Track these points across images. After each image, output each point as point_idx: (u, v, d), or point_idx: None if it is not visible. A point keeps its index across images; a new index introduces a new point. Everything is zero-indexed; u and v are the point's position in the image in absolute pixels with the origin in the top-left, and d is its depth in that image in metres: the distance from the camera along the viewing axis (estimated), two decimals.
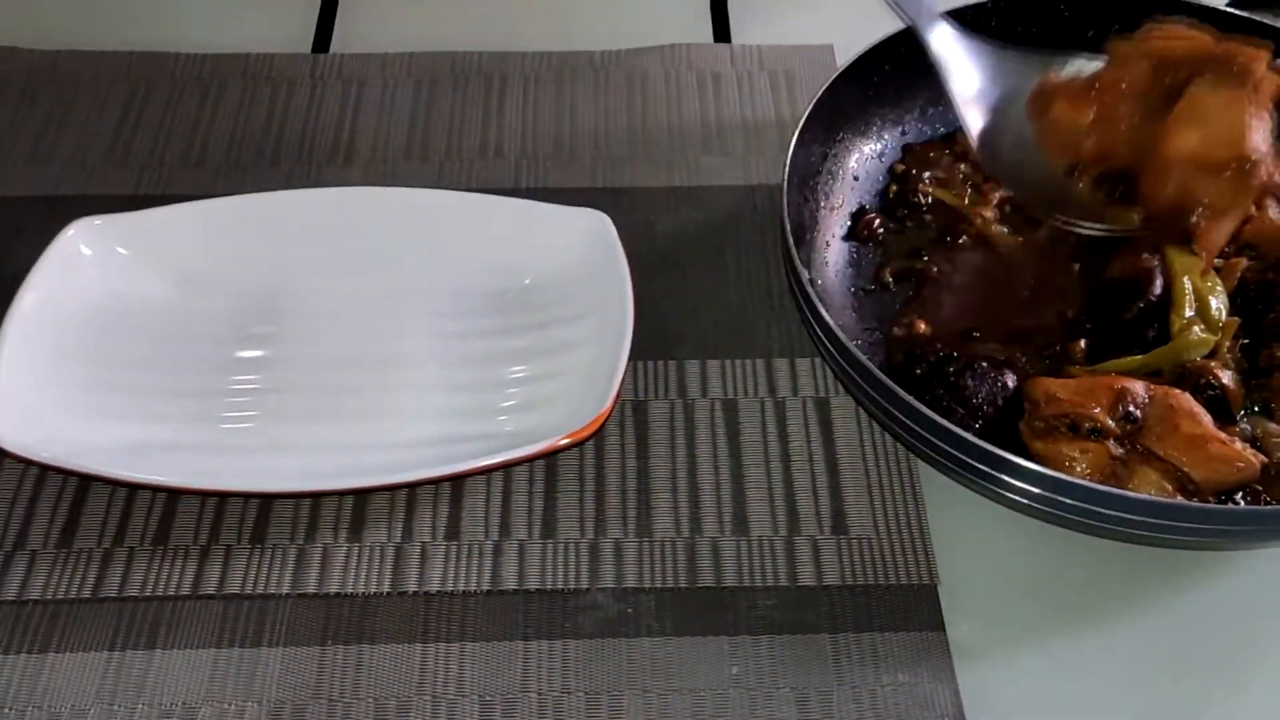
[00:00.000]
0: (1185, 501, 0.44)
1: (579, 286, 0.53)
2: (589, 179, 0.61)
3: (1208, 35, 0.48)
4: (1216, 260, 0.52)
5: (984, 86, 0.52)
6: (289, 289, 0.55)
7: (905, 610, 0.46)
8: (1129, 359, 0.49)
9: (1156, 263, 0.51)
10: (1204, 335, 0.49)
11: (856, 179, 0.59)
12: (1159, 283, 0.50)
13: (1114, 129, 0.49)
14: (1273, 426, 0.48)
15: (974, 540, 0.48)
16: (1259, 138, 0.46)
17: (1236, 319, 0.50)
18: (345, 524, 0.48)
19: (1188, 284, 0.50)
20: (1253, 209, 0.52)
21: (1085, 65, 0.51)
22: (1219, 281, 0.51)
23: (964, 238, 0.57)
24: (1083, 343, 0.51)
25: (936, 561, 0.47)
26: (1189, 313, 0.49)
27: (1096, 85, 0.49)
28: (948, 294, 0.55)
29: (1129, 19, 0.60)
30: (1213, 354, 0.49)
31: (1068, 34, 0.61)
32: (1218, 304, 0.50)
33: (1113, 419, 0.46)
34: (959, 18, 0.59)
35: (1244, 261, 0.51)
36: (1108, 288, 0.51)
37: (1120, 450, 0.45)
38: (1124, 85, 0.48)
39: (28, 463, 0.48)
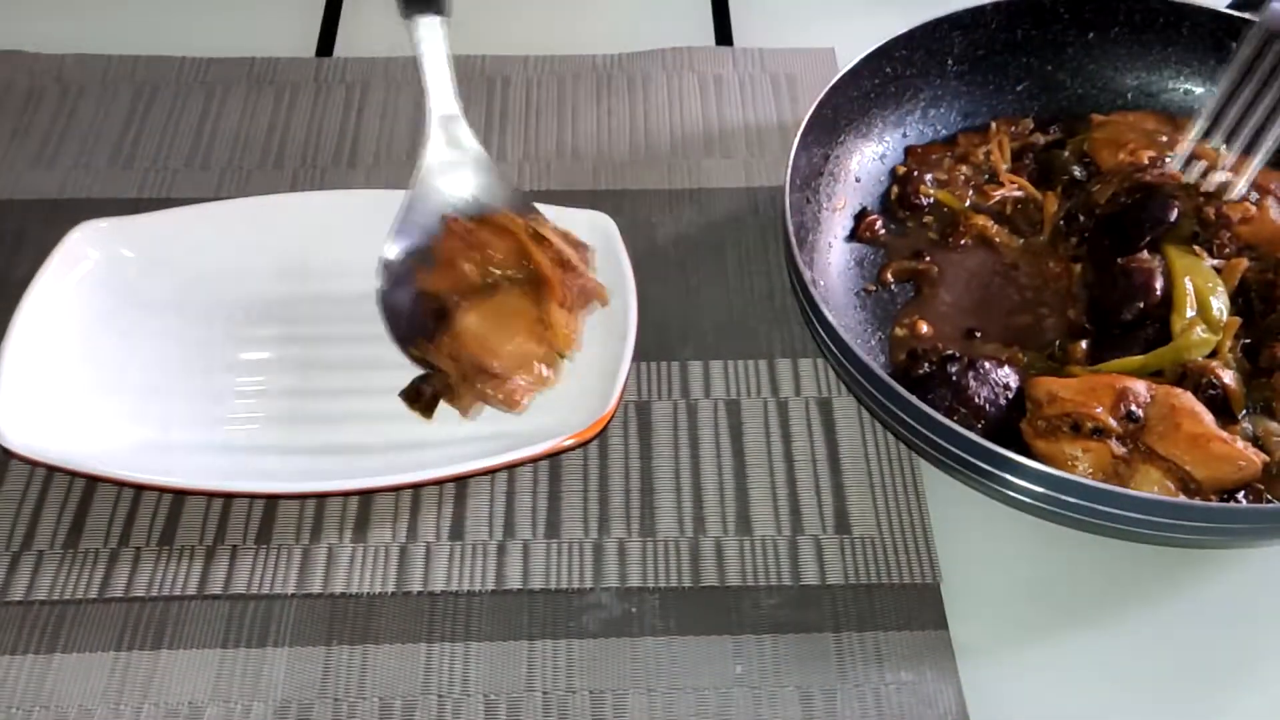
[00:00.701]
0: (1188, 500, 0.44)
1: None
2: (591, 181, 0.62)
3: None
4: (1217, 261, 0.52)
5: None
6: (293, 291, 0.55)
7: (908, 609, 0.46)
8: (1130, 359, 0.49)
9: (1158, 263, 0.51)
10: (1205, 335, 0.49)
11: (858, 180, 0.59)
12: (1160, 283, 0.50)
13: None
14: (1274, 425, 0.48)
15: (976, 539, 0.49)
16: None
17: (1237, 319, 0.50)
18: (350, 524, 0.48)
19: (1189, 284, 0.50)
20: (1253, 209, 0.53)
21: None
22: (1220, 282, 0.51)
23: (965, 239, 0.57)
24: (1084, 343, 0.51)
25: (939, 560, 0.47)
26: (1190, 313, 0.50)
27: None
28: (949, 295, 0.55)
29: (1126, 22, 0.61)
30: (1213, 354, 0.49)
31: (1066, 37, 0.61)
32: (1219, 304, 0.50)
33: (1115, 418, 0.46)
34: (962, 22, 0.59)
35: (1245, 262, 0.52)
36: (1109, 288, 0.52)
37: (1122, 449, 0.46)
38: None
39: (34, 464, 0.48)
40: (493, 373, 0.49)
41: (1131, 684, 0.45)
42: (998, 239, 0.57)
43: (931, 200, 0.58)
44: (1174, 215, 0.52)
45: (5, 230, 0.59)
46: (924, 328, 0.53)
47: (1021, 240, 0.57)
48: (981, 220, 0.57)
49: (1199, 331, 0.49)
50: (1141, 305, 0.50)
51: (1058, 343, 0.52)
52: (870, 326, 0.54)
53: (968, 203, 0.58)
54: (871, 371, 0.45)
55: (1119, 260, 0.52)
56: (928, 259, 0.56)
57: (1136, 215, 0.53)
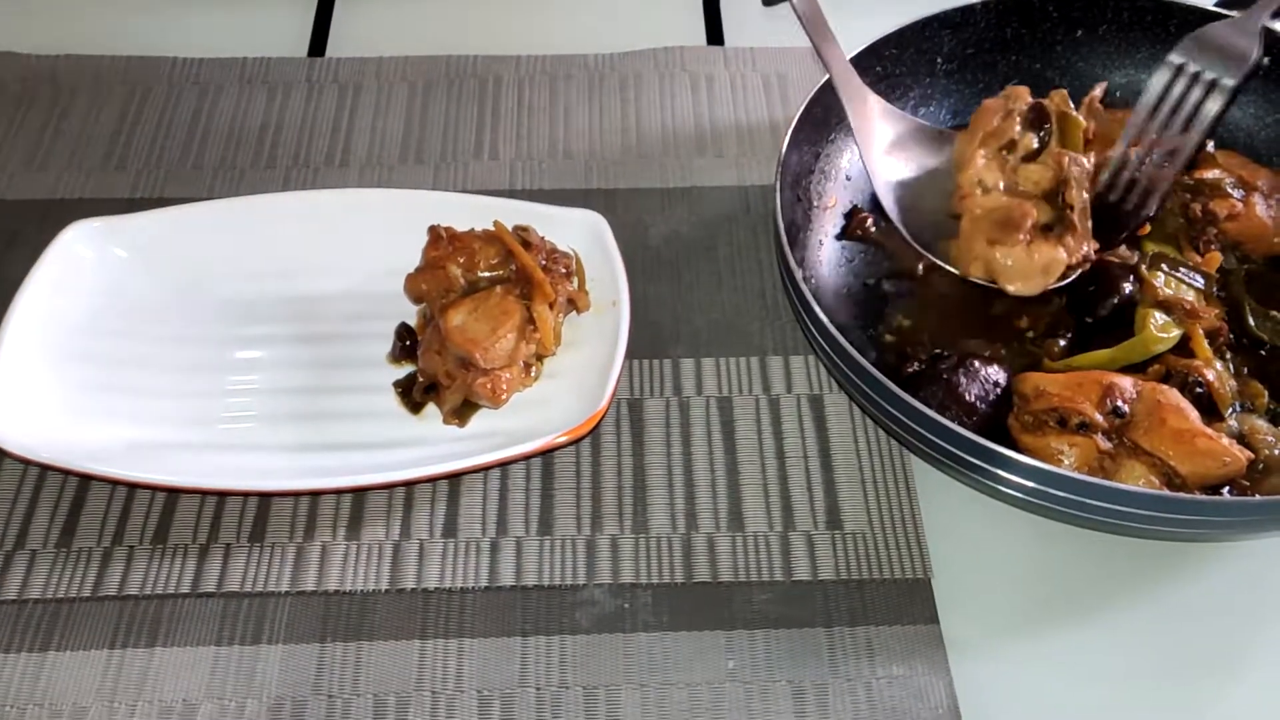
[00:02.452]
0: (1176, 493, 0.45)
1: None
2: (583, 180, 0.62)
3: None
4: (1196, 257, 0.52)
5: (896, 153, 0.55)
6: (286, 290, 0.55)
7: (899, 604, 0.46)
8: (1098, 353, 0.50)
9: (1136, 259, 0.51)
10: (1164, 323, 0.49)
11: (849, 178, 0.59)
12: (1132, 278, 0.51)
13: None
14: (1260, 424, 0.48)
15: (967, 534, 0.49)
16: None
17: (1214, 311, 0.50)
18: (344, 522, 0.49)
19: (1159, 279, 0.50)
20: (1239, 206, 0.53)
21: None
22: (1195, 276, 0.51)
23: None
24: (1061, 340, 0.51)
25: (930, 555, 0.48)
26: (1160, 316, 0.50)
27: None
28: (939, 292, 0.55)
29: (1114, 20, 0.62)
30: (1193, 353, 0.49)
31: (1054, 35, 0.62)
32: (1190, 297, 0.50)
33: (1101, 413, 0.46)
34: (952, 21, 0.60)
35: (1219, 256, 0.52)
36: (1085, 284, 0.52)
37: (1108, 444, 0.46)
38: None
39: (28, 463, 0.48)
40: (478, 366, 0.49)
41: (1120, 676, 0.45)
42: None
43: None
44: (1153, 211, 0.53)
45: None
46: (914, 324, 0.53)
47: None
48: None
49: (1156, 320, 0.49)
50: (1115, 301, 0.50)
51: (1032, 336, 0.52)
52: (861, 323, 0.54)
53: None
54: (863, 368, 0.45)
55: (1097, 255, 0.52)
56: (918, 256, 0.56)
57: (1114, 211, 0.53)
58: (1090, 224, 0.51)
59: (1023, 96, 0.53)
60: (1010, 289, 0.50)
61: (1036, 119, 0.52)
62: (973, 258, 0.51)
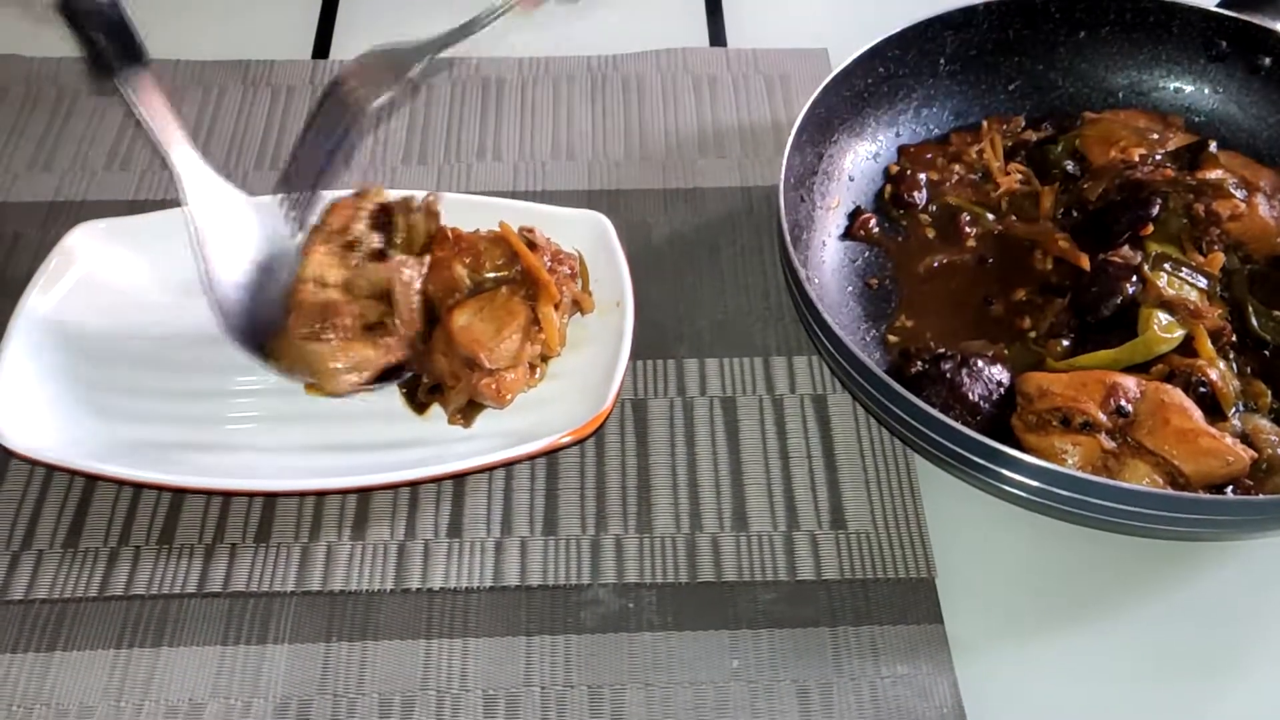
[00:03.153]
0: (1179, 493, 0.45)
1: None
2: (586, 181, 0.62)
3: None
4: (1199, 258, 0.52)
5: (244, 250, 0.52)
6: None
7: (903, 603, 0.46)
8: (1102, 353, 0.50)
9: (1138, 260, 0.51)
10: (1168, 324, 0.49)
11: (852, 179, 0.60)
12: (1136, 279, 0.51)
13: None
14: (1264, 423, 0.48)
15: (971, 534, 0.49)
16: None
17: (1216, 312, 0.50)
18: (349, 522, 0.49)
19: (1163, 280, 0.51)
20: (1242, 206, 0.53)
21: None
22: (1197, 276, 0.51)
23: (958, 237, 0.57)
24: (1064, 340, 0.52)
25: (934, 555, 0.48)
26: (1163, 316, 0.50)
27: None
28: (942, 292, 0.55)
29: (1117, 21, 0.62)
30: (1197, 353, 0.49)
31: (1057, 36, 0.62)
32: (1193, 298, 0.50)
33: (1104, 413, 0.46)
34: (954, 22, 0.60)
35: (1221, 256, 0.52)
36: (1088, 284, 0.52)
37: (1111, 444, 0.46)
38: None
39: (34, 463, 0.48)
40: (483, 367, 0.49)
41: (1124, 675, 0.45)
42: (990, 238, 0.57)
43: (925, 198, 0.59)
44: (1154, 212, 0.53)
45: (3, 233, 0.59)
46: (916, 325, 0.54)
47: (1014, 239, 0.57)
48: (975, 219, 0.57)
49: (1160, 321, 0.49)
50: (1119, 301, 0.51)
51: (1035, 336, 0.52)
52: (864, 323, 0.55)
53: (961, 200, 0.58)
54: (867, 368, 0.45)
55: (1099, 256, 0.52)
56: (921, 257, 0.56)
57: (1117, 212, 0.53)
58: (419, 327, 0.51)
59: (376, 197, 0.53)
60: (317, 386, 0.50)
61: (383, 221, 0.52)
62: (286, 353, 0.50)
